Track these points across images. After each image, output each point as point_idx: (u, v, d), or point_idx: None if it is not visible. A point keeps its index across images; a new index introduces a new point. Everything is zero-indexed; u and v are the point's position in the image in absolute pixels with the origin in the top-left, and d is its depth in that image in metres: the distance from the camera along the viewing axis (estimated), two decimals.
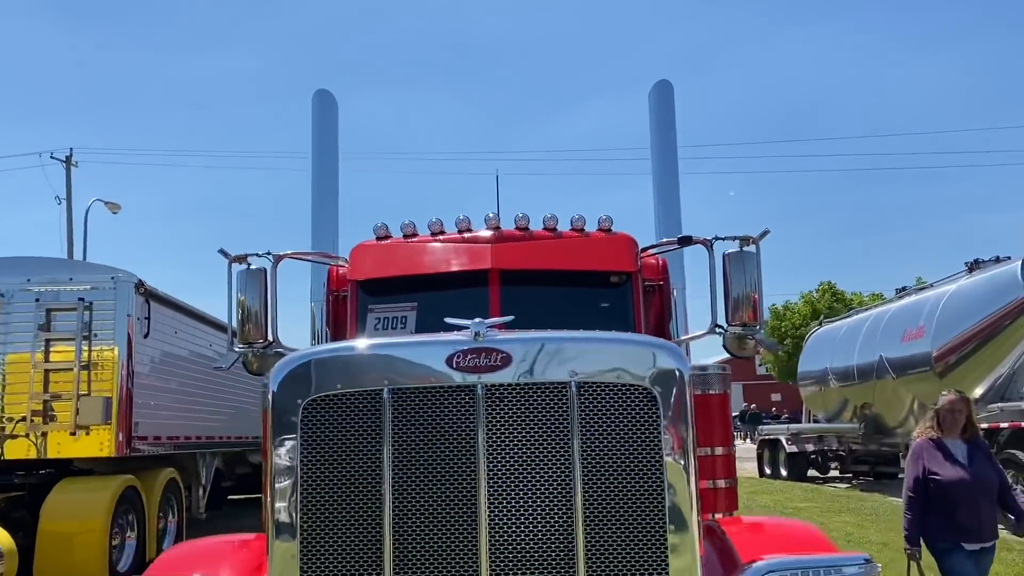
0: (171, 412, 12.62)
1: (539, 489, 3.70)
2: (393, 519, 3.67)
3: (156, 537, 11.66)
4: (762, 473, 26.15)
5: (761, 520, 5.14)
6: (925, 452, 5.90)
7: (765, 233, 5.77)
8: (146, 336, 11.67)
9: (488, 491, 3.67)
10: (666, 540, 3.65)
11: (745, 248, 5.71)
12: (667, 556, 3.65)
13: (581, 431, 3.70)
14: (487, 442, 3.70)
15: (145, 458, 11.88)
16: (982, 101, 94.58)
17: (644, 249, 6.39)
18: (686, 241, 6.17)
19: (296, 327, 6.67)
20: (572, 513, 3.66)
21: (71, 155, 34.46)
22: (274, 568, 3.76)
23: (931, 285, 19.34)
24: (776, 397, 61.48)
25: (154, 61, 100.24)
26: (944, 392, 6.19)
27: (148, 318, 11.71)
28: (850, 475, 24.56)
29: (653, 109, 7.58)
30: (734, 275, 5.64)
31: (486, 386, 3.74)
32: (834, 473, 25.37)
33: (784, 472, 24.98)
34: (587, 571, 3.63)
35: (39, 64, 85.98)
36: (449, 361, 3.77)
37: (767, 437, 26.75)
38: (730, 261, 5.68)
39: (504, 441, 3.72)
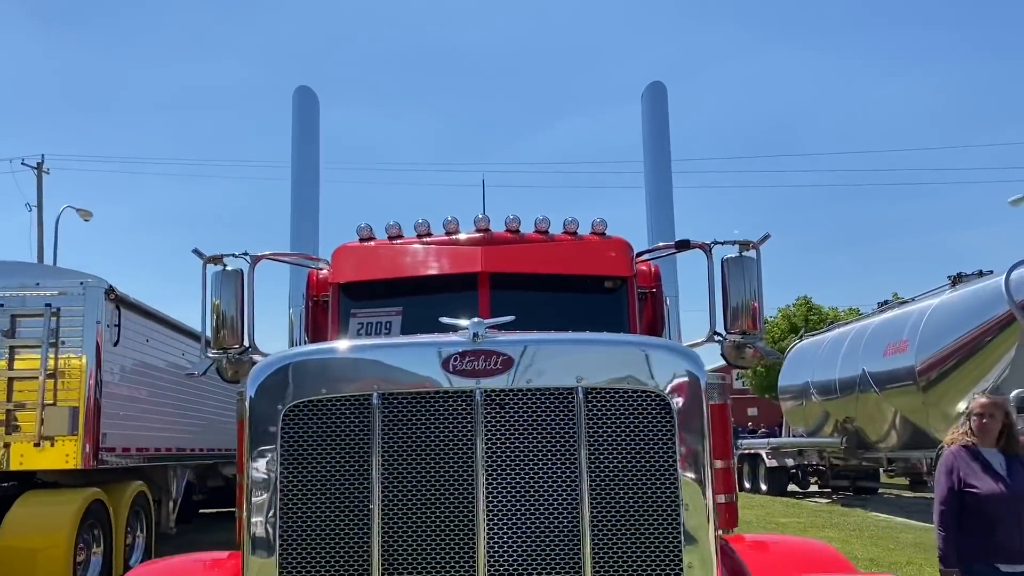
0: (141, 423, 12.27)
1: (542, 504, 3.43)
2: (382, 535, 3.40)
3: (123, 553, 11.30)
4: (741, 488, 26.06)
5: (765, 538, 4.91)
6: (960, 461, 5.27)
7: (766, 237, 5.63)
8: (116, 344, 11.32)
9: (487, 505, 3.40)
10: (681, 559, 3.39)
11: (745, 253, 5.55)
12: None
13: (589, 441, 3.44)
14: (486, 452, 3.44)
15: (113, 471, 11.52)
16: (957, 119, 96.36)
17: (640, 254, 6.19)
18: (684, 245, 5.99)
19: (273, 337, 6.35)
20: (579, 530, 3.39)
21: (42, 161, 34.24)
22: None
23: (914, 299, 19.34)
24: (752, 412, 61.53)
25: (131, 68, 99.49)
26: (977, 394, 5.66)
27: (118, 325, 11.38)
28: (830, 490, 24.53)
29: (646, 111, 7.47)
30: (733, 281, 5.48)
31: (485, 391, 3.48)
32: (814, 488, 25.33)
33: (764, 487, 24.99)
34: None
35: (14, 68, 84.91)
36: (445, 364, 3.50)
37: (747, 451, 26.70)
38: (729, 267, 5.50)
39: (504, 451, 3.45)
